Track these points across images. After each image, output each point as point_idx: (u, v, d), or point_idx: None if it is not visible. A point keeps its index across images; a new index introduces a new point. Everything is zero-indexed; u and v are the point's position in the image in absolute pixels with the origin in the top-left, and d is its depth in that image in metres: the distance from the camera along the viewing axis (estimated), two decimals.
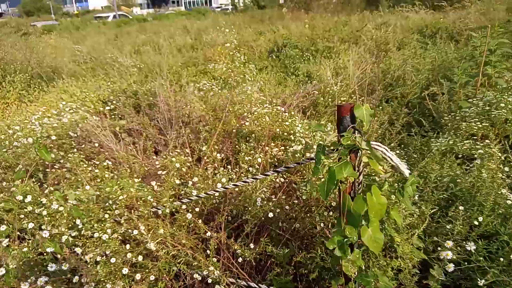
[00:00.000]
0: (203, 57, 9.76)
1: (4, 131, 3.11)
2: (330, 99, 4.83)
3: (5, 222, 2.30)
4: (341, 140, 1.51)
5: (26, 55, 7.52)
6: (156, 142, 4.36)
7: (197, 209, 2.31)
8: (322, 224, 2.52)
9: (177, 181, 2.64)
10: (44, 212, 2.34)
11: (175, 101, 5.05)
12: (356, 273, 1.68)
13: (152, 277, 2.02)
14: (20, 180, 2.39)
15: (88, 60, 10.66)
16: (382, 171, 1.60)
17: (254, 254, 2.12)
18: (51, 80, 7.40)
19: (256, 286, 2.09)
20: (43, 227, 2.28)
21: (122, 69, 8.05)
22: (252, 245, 2.24)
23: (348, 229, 1.55)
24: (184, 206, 2.18)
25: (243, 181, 2.01)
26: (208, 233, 2.13)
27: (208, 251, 2.17)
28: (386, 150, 1.60)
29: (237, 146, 3.80)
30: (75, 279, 1.98)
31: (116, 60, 8.65)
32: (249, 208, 2.49)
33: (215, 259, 2.16)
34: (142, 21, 30.77)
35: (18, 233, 2.33)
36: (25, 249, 2.02)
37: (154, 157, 3.83)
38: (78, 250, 2.06)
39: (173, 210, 2.29)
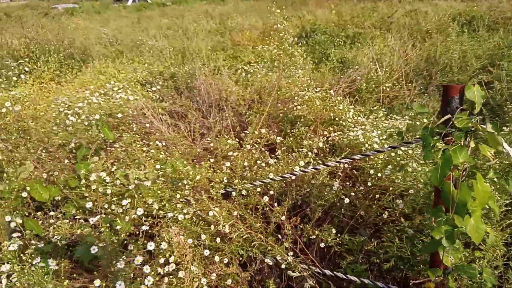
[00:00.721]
0: (231, 41, 9.62)
1: (56, 109, 3.07)
2: (373, 85, 4.69)
3: (71, 200, 2.27)
4: (455, 122, 1.41)
5: (59, 35, 7.49)
6: (199, 124, 4.30)
7: (271, 192, 2.23)
8: (386, 213, 2.43)
9: (245, 163, 2.58)
10: (108, 191, 2.30)
11: (213, 84, 4.97)
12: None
13: (225, 260, 1.96)
14: (83, 158, 2.35)
15: (115, 42, 10.63)
16: (492, 157, 1.50)
17: (336, 240, 2.04)
18: (83, 61, 7.40)
19: (330, 273, 2.02)
20: (106, 205, 2.25)
21: (153, 52, 8.00)
22: (316, 232, 2.17)
23: (456, 218, 1.45)
24: (258, 189, 2.11)
25: (325, 165, 1.92)
26: (283, 217, 2.06)
27: (279, 236, 2.11)
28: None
29: (285, 130, 3.72)
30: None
31: (146, 43, 8.59)
32: (314, 193, 2.42)
33: (287, 244, 2.09)
34: (161, 5, 30.61)
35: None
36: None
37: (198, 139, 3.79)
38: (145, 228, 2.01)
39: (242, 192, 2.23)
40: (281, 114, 3.80)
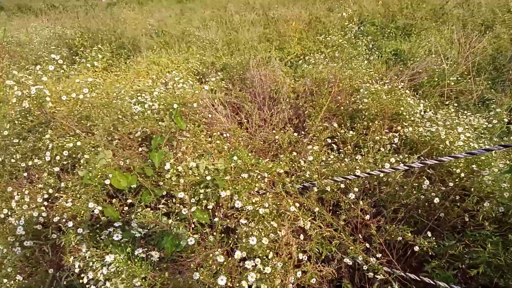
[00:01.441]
0: (276, 33, 9.48)
1: (123, 98, 3.09)
2: (437, 79, 4.44)
3: (147, 188, 2.26)
4: None
5: (110, 26, 7.64)
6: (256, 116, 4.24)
7: (356, 189, 2.12)
8: (467, 215, 2.27)
9: (310, 158, 2.48)
10: (182, 181, 2.28)
11: (266, 75, 4.90)
12: None
13: (305, 258, 1.89)
14: (157, 147, 2.34)
15: (161, 33, 10.77)
16: None
17: (428, 243, 1.92)
18: (133, 51, 7.54)
19: (416, 277, 1.90)
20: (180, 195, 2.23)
21: (200, 43, 8.02)
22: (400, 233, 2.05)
23: None
24: (342, 185, 2.01)
25: (422, 163, 1.79)
26: (367, 216, 1.96)
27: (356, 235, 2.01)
28: None
29: (345, 124, 3.59)
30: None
31: (193, 34, 8.63)
32: (397, 193, 2.30)
33: (367, 245, 1.99)
34: None
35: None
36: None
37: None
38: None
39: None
40: (341, 108, 3.67)
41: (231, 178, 2.22)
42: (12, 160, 2.49)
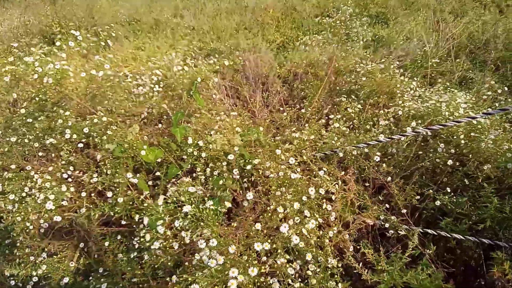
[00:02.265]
0: (254, 21, 9.54)
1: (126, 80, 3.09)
2: (420, 61, 4.70)
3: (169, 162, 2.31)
4: None
5: (87, 12, 7.43)
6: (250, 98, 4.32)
7: (378, 153, 2.26)
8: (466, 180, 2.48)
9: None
10: (203, 154, 2.35)
11: (255, 60, 4.99)
12: None
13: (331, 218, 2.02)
14: (178, 122, 2.38)
15: (133, 21, 10.54)
16: None
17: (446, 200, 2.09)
18: (109, 39, 7.36)
19: (433, 232, 2.08)
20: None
21: (178, 30, 7.95)
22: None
23: None
24: (366, 150, 2.15)
25: (429, 128, 1.95)
26: (389, 178, 2.11)
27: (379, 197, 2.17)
28: None
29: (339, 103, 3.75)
30: None
31: (171, 21, 8.52)
32: (400, 159, 2.47)
33: (387, 205, 2.15)
34: None
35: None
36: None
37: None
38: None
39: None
40: (337, 88, 3.82)
41: (254, 150, 2.31)
42: (26, 141, 2.46)
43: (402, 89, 3.45)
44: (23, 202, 2.24)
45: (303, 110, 3.60)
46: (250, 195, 1.63)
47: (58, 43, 2.60)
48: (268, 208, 1.65)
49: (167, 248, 1.57)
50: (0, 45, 6.27)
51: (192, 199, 1.51)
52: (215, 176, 2.26)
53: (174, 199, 1.55)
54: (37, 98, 2.39)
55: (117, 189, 2.01)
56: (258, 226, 1.48)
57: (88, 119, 2.36)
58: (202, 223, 1.38)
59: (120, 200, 1.93)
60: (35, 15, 8.76)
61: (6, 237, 2.54)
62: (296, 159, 2.15)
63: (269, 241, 1.40)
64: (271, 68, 4.77)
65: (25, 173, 2.34)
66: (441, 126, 1.97)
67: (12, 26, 8.81)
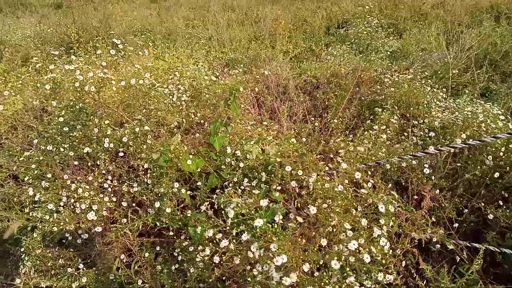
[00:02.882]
0: (266, 31, 9.59)
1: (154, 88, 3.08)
2: (440, 72, 4.70)
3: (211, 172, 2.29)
4: None
5: (103, 22, 7.50)
6: (271, 109, 4.31)
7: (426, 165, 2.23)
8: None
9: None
10: (241, 164, 2.33)
11: (274, 70, 5.01)
12: None
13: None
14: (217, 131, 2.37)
15: (145, 31, 10.63)
16: None
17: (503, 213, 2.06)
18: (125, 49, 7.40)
19: (480, 246, 2.04)
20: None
21: (191, 41, 8.00)
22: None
23: None
24: (403, 164, 2.12)
25: (494, 137, 1.93)
26: (437, 191, 2.08)
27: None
28: None
29: (363, 114, 3.74)
30: None
31: (186, 32, 8.59)
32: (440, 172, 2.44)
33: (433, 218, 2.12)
34: None
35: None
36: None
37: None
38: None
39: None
40: (363, 97, 3.81)
41: (292, 160, 2.28)
42: (61, 149, 2.44)
43: (430, 99, 3.44)
44: (61, 211, 2.22)
45: (333, 121, 3.58)
46: (313, 209, 1.59)
47: (99, 52, 2.59)
48: (329, 222, 1.61)
49: (223, 263, 1.54)
50: (19, 53, 6.29)
51: (260, 212, 1.48)
52: (254, 187, 2.23)
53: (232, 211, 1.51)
54: (77, 107, 2.37)
55: (160, 200, 1.98)
56: (323, 241, 1.43)
57: (126, 127, 2.35)
58: (272, 238, 1.34)
59: (168, 210, 1.91)
60: (50, 24, 8.86)
61: (37, 247, 2.51)
62: (339, 170, 2.12)
63: (335, 258, 1.37)
64: (289, 78, 4.77)
65: (61, 182, 2.32)
66: (492, 139, 1.95)
67: (26, 34, 8.90)
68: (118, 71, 4.47)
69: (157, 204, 1.90)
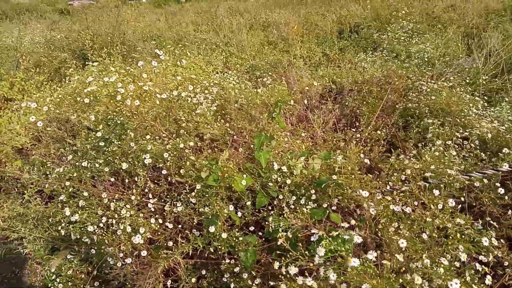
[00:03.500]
0: (278, 36, 9.46)
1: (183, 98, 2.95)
2: (469, 78, 4.56)
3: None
4: None
5: (116, 28, 7.38)
6: (299, 118, 4.17)
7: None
8: None
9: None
10: (288, 181, 2.19)
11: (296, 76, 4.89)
12: None
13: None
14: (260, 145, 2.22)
15: (155, 37, 10.53)
16: None
17: None
18: (139, 55, 7.28)
19: None
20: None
21: (205, 46, 7.89)
22: None
23: None
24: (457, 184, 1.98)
25: None
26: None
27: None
28: None
29: (397, 123, 3.60)
30: None
31: (197, 37, 8.47)
32: None
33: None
34: (176, 2, 30.62)
35: None
36: None
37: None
38: None
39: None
40: (397, 105, 3.67)
41: (344, 176, 2.14)
42: (96, 165, 2.30)
43: (470, 108, 3.30)
44: (100, 233, 2.08)
45: (367, 130, 3.43)
46: (403, 242, 1.42)
47: (141, 63, 2.46)
48: (418, 256, 1.46)
49: None
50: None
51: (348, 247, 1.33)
52: (304, 205, 2.10)
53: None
54: (117, 121, 2.24)
55: (210, 222, 1.83)
56: (418, 279, 1.28)
57: (167, 142, 2.21)
58: (364, 279, 1.19)
59: (225, 235, 1.76)
60: (61, 30, 8.75)
61: (68, 267, 2.38)
62: (399, 188, 1.98)
63: None
64: (310, 85, 4.64)
65: (98, 200, 2.18)
66: None
67: (35, 41, 8.81)
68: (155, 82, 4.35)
69: (211, 229, 1.75)
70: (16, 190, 2.91)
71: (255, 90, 3.06)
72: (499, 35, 6.58)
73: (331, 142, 3.31)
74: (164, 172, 2.11)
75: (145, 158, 2.14)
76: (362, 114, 3.74)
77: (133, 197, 2.06)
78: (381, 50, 5.95)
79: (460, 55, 5.10)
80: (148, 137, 2.20)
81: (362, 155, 2.55)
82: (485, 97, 4.09)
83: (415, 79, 3.75)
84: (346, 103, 4.07)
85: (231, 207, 1.91)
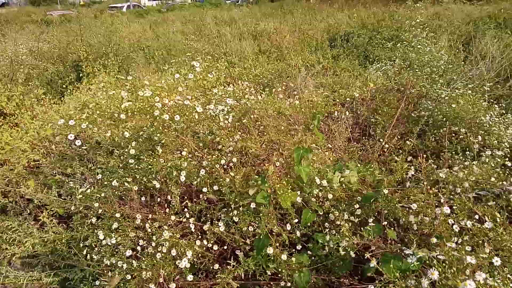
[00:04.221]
0: (270, 45, 9.42)
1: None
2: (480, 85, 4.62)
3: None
4: None
5: (107, 38, 7.21)
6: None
7: None
8: None
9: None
10: (329, 196, 2.11)
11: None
12: None
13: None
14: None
15: (144, 47, 10.35)
16: None
17: None
18: (130, 66, 7.12)
19: None
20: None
21: (199, 55, 7.79)
22: None
23: None
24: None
25: None
26: None
27: None
28: None
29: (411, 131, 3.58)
30: None
31: (192, 47, 8.37)
32: None
33: None
34: (158, 12, 30.47)
35: None
36: None
37: None
38: None
39: None
40: (413, 114, 3.66)
41: (393, 190, 2.07)
42: (126, 184, 2.16)
43: (488, 116, 3.30)
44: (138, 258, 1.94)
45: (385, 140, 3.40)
46: (482, 275, 1.34)
47: (177, 76, 2.34)
48: None
49: None
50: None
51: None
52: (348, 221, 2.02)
53: None
54: (155, 138, 2.10)
55: (260, 243, 1.73)
56: None
57: (204, 158, 2.09)
58: None
59: (285, 257, 1.66)
60: (48, 41, 8.48)
61: None
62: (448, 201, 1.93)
63: None
64: (318, 94, 4.60)
65: (131, 222, 2.04)
66: None
67: (19, 52, 8.51)
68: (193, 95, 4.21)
69: (270, 250, 1.65)
70: (27, 211, 2.73)
71: (286, 100, 2.97)
72: (499, 43, 6.72)
73: (352, 152, 3.26)
74: (204, 190, 1.99)
75: (179, 175, 2.02)
76: (377, 123, 3.71)
77: (173, 217, 1.93)
78: (380, 58, 5.98)
79: (462, 62, 5.16)
80: (184, 153, 2.08)
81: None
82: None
83: (429, 86, 3.74)
84: (358, 112, 4.04)
85: (288, 226, 1.81)
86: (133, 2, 36.83)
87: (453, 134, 3.29)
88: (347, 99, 4.21)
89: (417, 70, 4.00)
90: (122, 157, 2.13)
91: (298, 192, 1.94)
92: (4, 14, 25.05)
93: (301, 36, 10.18)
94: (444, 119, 3.46)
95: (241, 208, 1.91)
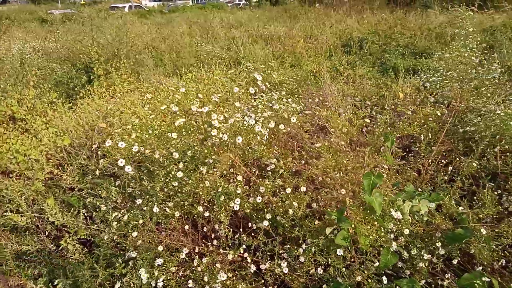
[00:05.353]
0: (283, 50, 9.12)
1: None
2: None
3: None
4: None
5: (117, 40, 6.90)
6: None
7: None
8: None
9: None
10: (406, 231, 1.82)
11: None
12: None
13: None
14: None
15: (151, 49, 10.05)
16: None
17: None
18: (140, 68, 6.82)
19: None
20: None
21: (213, 60, 7.51)
22: None
23: None
24: None
25: None
26: None
27: None
28: None
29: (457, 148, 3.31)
30: None
31: (204, 49, 8.07)
32: None
33: None
34: (160, 12, 30.25)
35: None
36: None
37: None
38: None
39: None
40: (460, 129, 3.38)
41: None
42: (167, 210, 1.86)
43: None
44: None
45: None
46: None
47: (236, 89, 2.04)
48: None
49: None
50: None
51: None
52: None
53: None
54: (207, 160, 1.80)
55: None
56: None
57: (261, 182, 1.80)
58: None
59: None
60: (55, 40, 8.16)
61: None
62: None
63: None
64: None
65: (173, 255, 1.74)
66: None
67: (24, 51, 8.20)
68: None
69: None
70: (45, 233, 2.42)
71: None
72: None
73: (403, 172, 2.97)
74: (265, 223, 1.69)
75: (228, 201, 1.72)
76: (422, 138, 3.43)
77: (230, 256, 1.63)
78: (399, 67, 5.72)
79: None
80: (239, 178, 1.78)
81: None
82: None
83: (480, 102, 3.47)
84: (397, 125, 3.75)
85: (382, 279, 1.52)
86: (134, 2, 36.63)
87: (507, 154, 3.04)
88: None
89: (457, 82, 3.72)
90: (167, 178, 1.83)
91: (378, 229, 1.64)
92: (5, 11, 24.72)
93: (314, 41, 9.88)
94: (498, 136, 3.20)
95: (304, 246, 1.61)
